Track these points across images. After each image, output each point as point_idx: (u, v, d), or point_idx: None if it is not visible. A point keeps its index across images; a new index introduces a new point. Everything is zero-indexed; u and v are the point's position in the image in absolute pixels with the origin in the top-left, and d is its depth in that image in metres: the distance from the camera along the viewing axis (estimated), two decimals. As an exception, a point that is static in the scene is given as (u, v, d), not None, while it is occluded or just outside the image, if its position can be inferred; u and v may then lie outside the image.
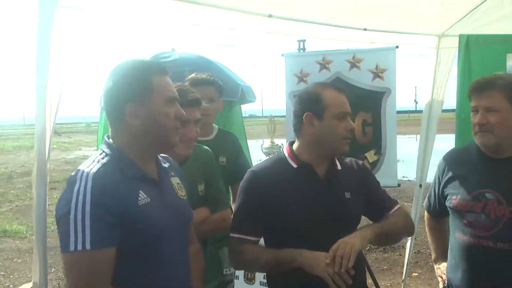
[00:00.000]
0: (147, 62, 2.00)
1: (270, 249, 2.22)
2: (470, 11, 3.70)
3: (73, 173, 1.77)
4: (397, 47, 4.43)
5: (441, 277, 2.64)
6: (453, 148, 2.81)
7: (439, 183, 2.60)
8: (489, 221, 2.30)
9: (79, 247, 1.64)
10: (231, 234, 2.31)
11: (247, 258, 2.26)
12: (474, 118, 2.36)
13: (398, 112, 4.93)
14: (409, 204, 7.15)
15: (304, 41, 32.82)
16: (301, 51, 27.75)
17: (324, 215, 2.19)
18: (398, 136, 4.65)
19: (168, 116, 1.85)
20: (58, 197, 1.75)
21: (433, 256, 2.84)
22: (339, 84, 4.57)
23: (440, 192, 2.59)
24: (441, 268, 2.67)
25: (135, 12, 2.76)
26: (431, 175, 2.96)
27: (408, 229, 2.44)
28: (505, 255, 2.26)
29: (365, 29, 3.77)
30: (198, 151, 2.66)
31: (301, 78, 4.82)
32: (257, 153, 5.15)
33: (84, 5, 2.43)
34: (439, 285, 2.67)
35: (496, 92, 2.28)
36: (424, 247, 6.64)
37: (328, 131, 2.21)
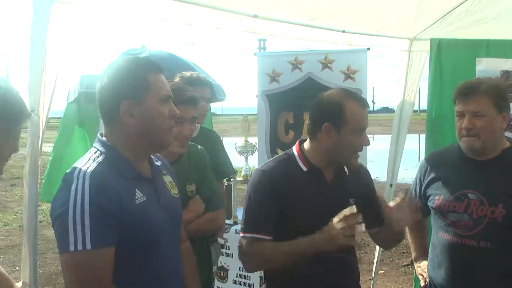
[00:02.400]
0: (143, 59, 1.98)
1: (284, 242, 2.18)
2: (443, 16, 3.81)
3: (68, 172, 1.74)
4: (368, 49, 4.52)
5: (422, 275, 2.71)
6: (434, 150, 2.89)
7: (421, 184, 2.66)
8: (472, 221, 2.38)
9: (79, 246, 1.61)
10: (242, 235, 2.27)
11: (263, 254, 2.22)
12: (459, 122, 2.42)
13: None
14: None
15: (265, 40, 33.04)
16: (262, 50, 27.90)
17: (328, 220, 2.19)
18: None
19: (163, 115, 1.83)
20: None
21: (413, 255, 2.90)
22: (311, 84, 4.65)
23: (422, 192, 2.65)
24: (422, 267, 2.74)
25: (124, 8, 2.72)
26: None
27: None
28: (488, 254, 2.34)
29: (343, 31, 3.83)
30: (193, 150, 2.64)
31: (273, 77, 4.85)
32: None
33: (80, 1, 2.38)
34: (420, 283, 2.74)
35: (482, 97, 2.35)
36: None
37: (344, 144, 2.21)
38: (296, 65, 4.76)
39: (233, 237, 4.08)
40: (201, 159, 2.71)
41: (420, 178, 2.68)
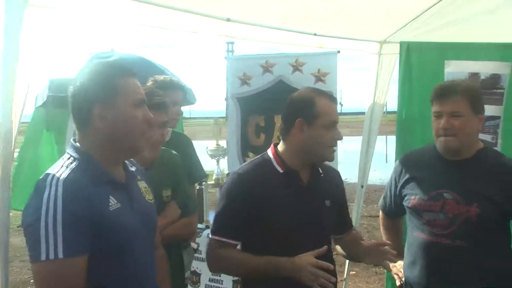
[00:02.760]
0: (112, 63, 1.95)
1: (253, 256, 2.20)
2: (412, 20, 3.86)
3: (41, 179, 1.69)
4: (338, 51, 4.56)
5: (398, 275, 2.73)
6: (409, 151, 2.93)
7: (396, 185, 2.69)
8: (447, 220, 2.42)
9: (51, 255, 1.57)
10: (211, 236, 2.28)
11: (230, 263, 2.26)
12: (436, 122, 2.47)
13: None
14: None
15: (232, 43, 33.05)
16: (230, 53, 27.87)
17: (305, 222, 2.23)
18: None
19: (135, 119, 1.81)
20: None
21: (388, 255, 2.92)
22: (282, 87, 4.66)
23: (397, 192, 2.68)
24: (397, 266, 2.75)
25: (97, 12, 2.67)
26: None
27: None
28: (462, 252, 2.38)
29: (315, 34, 3.85)
30: (166, 155, 2.60)
31: (244, 80, 4.84)
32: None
33: (54, 4, 2.32)
34: (396, 283, 2.76)
35: (459, 97, 2.40)
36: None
37: (316, 139, 2.22)
38: (267, 68, 4.76)
39: (206, 241, 4.02)
40: (175, 164, 2.69)
41: (395, 178, 2.71)
